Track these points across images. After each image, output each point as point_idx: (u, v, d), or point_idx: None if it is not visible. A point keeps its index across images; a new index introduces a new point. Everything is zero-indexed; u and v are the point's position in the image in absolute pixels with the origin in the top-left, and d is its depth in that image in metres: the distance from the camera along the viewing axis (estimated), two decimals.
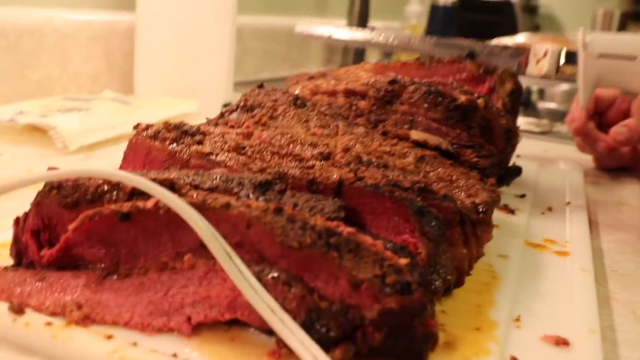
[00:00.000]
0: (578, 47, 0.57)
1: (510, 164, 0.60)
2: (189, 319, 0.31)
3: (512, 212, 0.54)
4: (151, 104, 0.83)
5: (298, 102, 0.51)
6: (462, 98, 0.54)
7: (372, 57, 1.86)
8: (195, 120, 0.53)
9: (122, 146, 0.72)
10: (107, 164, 0.61)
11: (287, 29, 1.45)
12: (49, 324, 0.30)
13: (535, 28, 2.84)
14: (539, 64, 0.63)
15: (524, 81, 0.63)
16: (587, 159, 0.78)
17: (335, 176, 0.37)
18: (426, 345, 0.28)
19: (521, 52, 0.66)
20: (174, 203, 0.30)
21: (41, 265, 0.35)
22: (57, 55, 0.89)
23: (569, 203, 0.58)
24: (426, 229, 0.34)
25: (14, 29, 0.82)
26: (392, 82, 0.57)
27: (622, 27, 2.28)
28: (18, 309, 0.31)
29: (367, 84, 0.58)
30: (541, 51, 0.63)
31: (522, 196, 0.59)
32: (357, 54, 1.59)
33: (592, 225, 0.55)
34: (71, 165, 0.62)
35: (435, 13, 1.94)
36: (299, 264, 0.30)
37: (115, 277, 0.33)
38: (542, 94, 1.54)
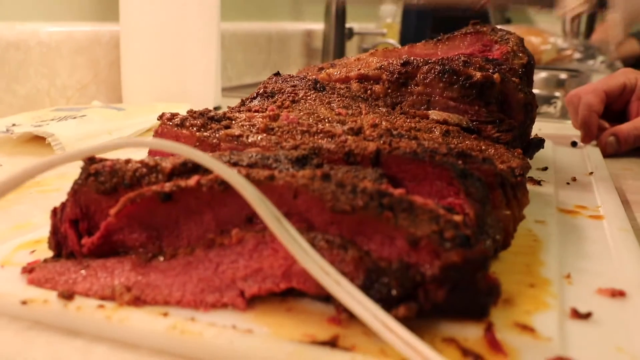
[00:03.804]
0: None
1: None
2: (242, 292, 0.30)
3: (538, 183, 0.54)
4: (145, 110, 0.82)
5: (318, 86, 0.50)
6: (478, 75, 0.54)
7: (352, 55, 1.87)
8: None
9: (121, 152, 0.71)
10: None
11: (266, 34, 1.45)
12: (101, 306, 0.29)
13: (506, 21, 2.88)
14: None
15: None
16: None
17: (372, 146, 0.36)
18: (490, 298, 0.28)
19: None
20: (223, 171, 0.30)
21: (82, 255, 0.34)
22: (44, 68, 0.88)
23: (592, 173, 0.58)
24: (471, 190, 0.33)
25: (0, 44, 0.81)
26: (405, 63, 0.57)
27: (592, 14, 2.31)
28: (67, 295, 0.30)
29: (380, 68, 0.58)
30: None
31: (545, 169, 0.59)
32: (336, 56, 1.61)
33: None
34: (77, 171, 0.62)
35: (409, 12, 1.96)
36: (351, 229, 0.30)
37: (161, 258, 0.33)
38: None
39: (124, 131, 0.73)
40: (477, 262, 0.27)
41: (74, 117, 0.71)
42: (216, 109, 1.01)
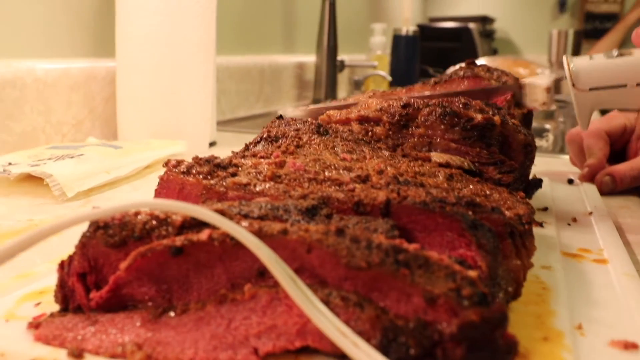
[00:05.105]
0: (567, 80, 0.56)
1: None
2: (255, 350, 0.30)
3: (540, 225, 0.54)
4: (142, 147, 0.82)
5: (321, 130, 0.51)
6: (479, 117, 0.55)
7: (342, 90, 1.90)
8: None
9: (119, 190, 0.71)
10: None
11: (258, 66, 1.46)
12: None
13: (493, 52, 2.93)
14: (538, 99, 0.62)
15: None
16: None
17: (382, 196, 0.36)
18: (508, 356, 0.28)
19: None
20: (235, 231, 0.29)
21: (89, 309, 0.34)
22: (40, 105, 0.88)
23: (591, 213, 0.59)
24: (482, 242, 0.33)
25: None
26: (405, 105, 0.58)
27: (577, 45, 2.36)
28: (77, 353, 0.30)
29: (380, 110, 0.59)
30: (540, 89, 0.61)
31: (545, 209, 0.60)
32: (328, 88, 1.62)
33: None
34: (81, 209, 0.61)
35: (398, 43, 1.99)
36: (366, 285, 0.30)
37: (171, 313, 0.32)
38: None
39: (122, 170, 0.73)
40: (495, 320, 0.27)
41: (72, 157, 0.71)
42: (212, 144, 1.01)
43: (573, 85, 0.56)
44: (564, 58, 0.58)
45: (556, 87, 0.60)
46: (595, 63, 0.56)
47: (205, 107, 0.95)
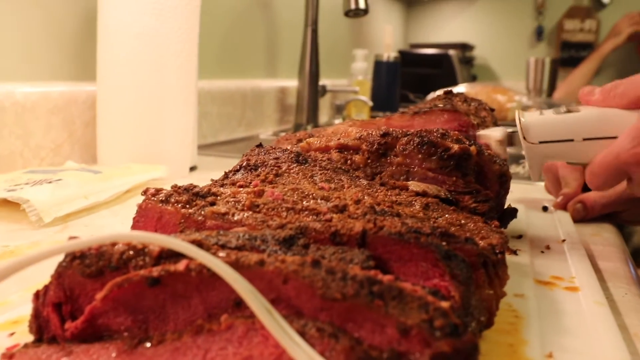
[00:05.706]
0: (519, 133, 0.60)
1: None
2: None
3: (514, 252, 0.55)
4: (121, 172, 0.81)
5: (300, 159, 0.51)
6: (455, 147, 0.56)
7: (324, 115, 1.92)
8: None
9: (97, 215, 0.71)
10: (85, 234, 0.59)
11: (241, 91, 1.47)
12: None
13: (472, 78, 2.99)
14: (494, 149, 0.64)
15: None
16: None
17: (358, 226, 0.37)
18: None
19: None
20: (212, 262, 0.30)
21: (64, 340, 0.34)
22: (18, 129, 0.87)
23: (564, 240, 0.60)
24: (456, 272, 0.34)
25: None
26: (384, 134, 0.59)
27: (554, 72, 2.42)
28: None
29: (359, 138, 0.60)
30: (494, 140, 0.64)
31: (520, 237, 0.61)
32: (310, 113, 1.63)
33: None
34: (52, 237, 0.61)
35: (379, 69, 2.03)
36: (341, 316, 0.30)
37: (147, 344, 0.32)
38: None
39: (100, 195, 0.73)
40: (466, 350, 0.28)
41: (50, 182, 0.71)
42: (192, 169, 1.01)
43: (524, 138, 0.59)
44: (516, 113, 0.61)
45: (510, 139, 0.64)
46: (544, 118, 0.59)
47: (186, 132, 0.95)
